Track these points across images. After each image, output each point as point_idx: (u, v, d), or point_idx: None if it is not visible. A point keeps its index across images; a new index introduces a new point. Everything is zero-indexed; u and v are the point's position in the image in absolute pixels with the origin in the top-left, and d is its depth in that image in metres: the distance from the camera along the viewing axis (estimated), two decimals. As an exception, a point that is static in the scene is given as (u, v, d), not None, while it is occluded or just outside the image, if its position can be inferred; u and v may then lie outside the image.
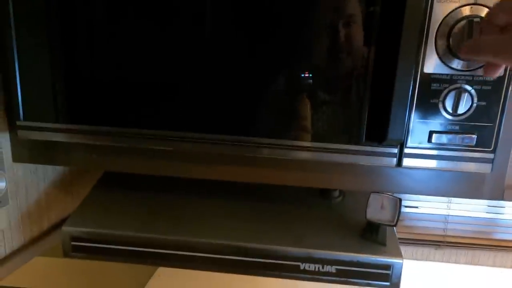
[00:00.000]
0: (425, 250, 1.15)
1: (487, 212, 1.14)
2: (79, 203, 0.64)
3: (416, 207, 1.14)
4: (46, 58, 0.50)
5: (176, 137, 0.51)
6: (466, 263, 1.15)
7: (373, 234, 0.56)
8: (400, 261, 0.53)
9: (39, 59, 0.50)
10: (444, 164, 0.47)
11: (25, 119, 0.53)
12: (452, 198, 1.11)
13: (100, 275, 0.97)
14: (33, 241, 0.64)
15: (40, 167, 0.64)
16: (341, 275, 0.54)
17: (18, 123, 0.53)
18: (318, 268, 0.54)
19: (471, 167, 0.47)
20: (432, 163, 0.48)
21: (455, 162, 0.47)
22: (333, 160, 0.49)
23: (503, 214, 1.14)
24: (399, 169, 0.50)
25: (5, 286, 0.65)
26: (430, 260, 1.16)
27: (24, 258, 0.61)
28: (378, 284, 0.54)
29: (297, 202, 0.65)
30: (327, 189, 0.66)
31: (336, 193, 0.65)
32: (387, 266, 0.53)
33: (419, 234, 1.13)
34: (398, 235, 1.13)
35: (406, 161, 0.48)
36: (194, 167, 0.55)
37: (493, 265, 1.14)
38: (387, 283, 0.54)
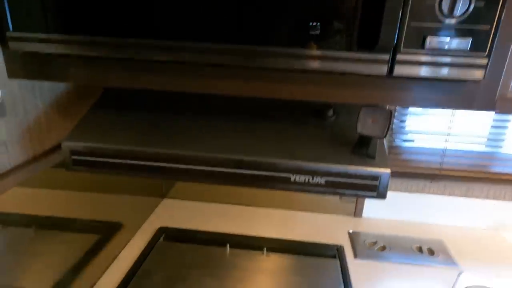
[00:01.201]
0: (421, 183, 1.18)
1: (486, 146, 1.14)
2: (78, 121, 0.65)
3: (412, 141, 1.15)
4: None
5: (176, 47, 0.50)
6: (460, 195, 1.18)
7: (363, 148, 0.57)
8: (387, 171, 0.54)
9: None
10: (436, 71, 0.47)
11: (14, 29, 0.52)
12: (451, 132, 1.11)
13: (104, 205, 1.01)
14: (36, 158, 0.66)
15: (37, 87, 0.65)
16: (330, 186, 0.56)
17: (8, 34, 0.52)
18: (308, 179, 0.56)
19: (464, 73, 0.46)
20: (424, 70, 0.47)
21: (448, 68, 0.46)
22: (325, 69, 0.49)
23: (501, 147, 1.14)
24: (390, 80, 0.50)
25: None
26: (425, 193, 1.19)
27: (27, 172, 0.64)
28: (365, 194, 0.56)
29: (291, 121, 0.65)
30: (321, 109, 0.66)
31: (330, 112, 0.65)
32: (375, 177, 0.55)
33: (415, 167, 1.15)
34: (394, 169, 1.15)
35: (398, 69, 0.47)
36: (194, 81, 0.54)
37: (487, 197, 1.17)
38: (374, 193, 0.56)
